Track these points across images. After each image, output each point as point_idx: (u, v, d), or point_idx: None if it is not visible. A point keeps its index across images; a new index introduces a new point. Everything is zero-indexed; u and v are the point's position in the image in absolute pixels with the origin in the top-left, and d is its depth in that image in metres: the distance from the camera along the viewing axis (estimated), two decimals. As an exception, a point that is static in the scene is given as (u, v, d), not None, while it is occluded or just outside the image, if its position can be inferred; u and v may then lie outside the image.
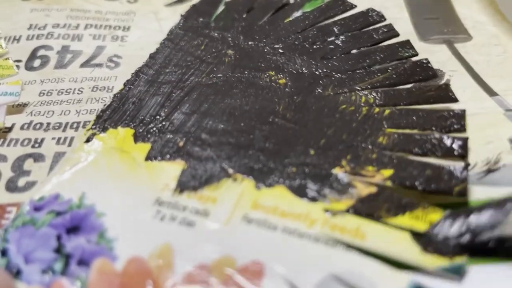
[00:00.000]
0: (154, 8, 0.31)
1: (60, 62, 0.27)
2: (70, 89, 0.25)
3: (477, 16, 0.29)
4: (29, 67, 0.27)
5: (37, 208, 0.20)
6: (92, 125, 0.23)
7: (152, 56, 0.27)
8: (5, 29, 0.29)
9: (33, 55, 0.28)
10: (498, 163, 0.21)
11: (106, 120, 0.23)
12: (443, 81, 0.25)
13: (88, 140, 0.22)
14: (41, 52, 0.28)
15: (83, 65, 0.27)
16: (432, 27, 0.28)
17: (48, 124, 0.24)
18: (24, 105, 0.25)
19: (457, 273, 0.17)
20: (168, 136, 0.22)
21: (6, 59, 0.27)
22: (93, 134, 0.23)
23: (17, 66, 0.27)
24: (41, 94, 0.25)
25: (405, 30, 0.28)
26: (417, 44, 0.27)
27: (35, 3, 0.31)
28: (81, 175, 0.21)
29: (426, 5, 0.30)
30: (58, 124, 0.24)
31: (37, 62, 0.27)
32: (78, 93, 0.25)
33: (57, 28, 0.29)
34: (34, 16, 0.30)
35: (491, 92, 0.24)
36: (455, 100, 0.23)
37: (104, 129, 0.23)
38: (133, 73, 0.26)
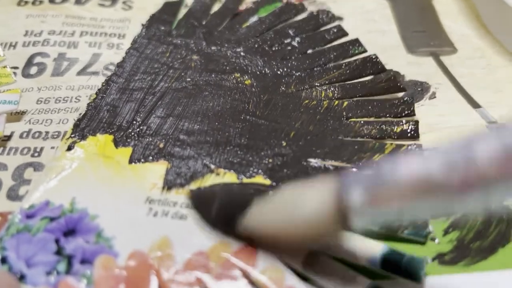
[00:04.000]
0: (149, 15, 0.31)
1: (57, 70, 0.27)
2: (68, 97, 0.26)
3: (462, 29, 0.29)
4: (26, 74, 0.27)
5: (29, 216, 0.21)
6: (71, 133, 0.24)
7: (119, 65, 0.28)
8: (2, 34, 0.29)
9: (29, 62, 0.28)
10: None
11: (84, 128, 0.24)
12: (429, 92, 0.26)
13: (69, 148, 0.23)
14: (38, 59, 0.28)
15: (80, 73, 0.27)
16: (419, 39, 0.29)
17: (47, 133, 0.24)
18: (22, 112, 0.25)
19: (421, 236, 0.20)
20: (148, 139, 0.24)
21: (4, 67, 0.27)
22: (74, 142, 0.23)
23: (14, 73, 0.27)
24: (39, 102, 0.25)
25: (394, 42, 0.29)
26: (405, 56, 0.28)
27: (30, 8, 0.31)
28: (68, 181, 0.22)
29: (414, 18, 0.30)
30: (56, 133, 0.24)
31: (33, 69, 0.27)
32: (75, 101, 0.25)
33: (53, 35, 0.29)
34: (29, 22, 0.30)
35: (475, 104, 0.25)
36: (403, 89, 0.26)
37: (84, 137, 0.24)
38: (103, 82, 0.27)
